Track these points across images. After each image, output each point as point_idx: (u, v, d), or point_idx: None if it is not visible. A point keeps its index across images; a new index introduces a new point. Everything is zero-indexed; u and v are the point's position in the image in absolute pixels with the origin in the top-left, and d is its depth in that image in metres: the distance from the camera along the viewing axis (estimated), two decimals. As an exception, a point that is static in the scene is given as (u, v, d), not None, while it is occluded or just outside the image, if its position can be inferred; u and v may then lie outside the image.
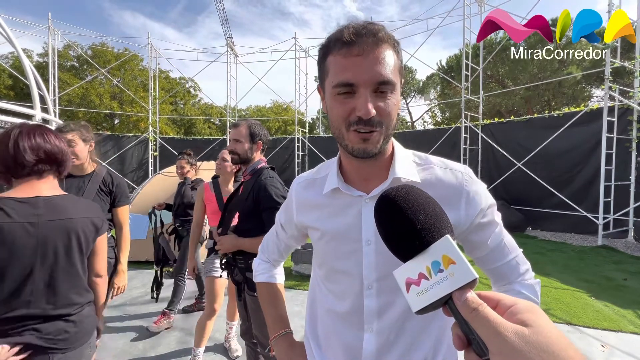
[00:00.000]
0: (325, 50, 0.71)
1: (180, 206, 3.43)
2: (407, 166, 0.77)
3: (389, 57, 0.66)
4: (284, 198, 1.71)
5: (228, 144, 2.09)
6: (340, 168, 0.83)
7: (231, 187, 2.64)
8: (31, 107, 3.68)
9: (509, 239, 0.79)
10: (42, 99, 5.11)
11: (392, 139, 0.78)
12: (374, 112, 0.65)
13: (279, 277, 1.11)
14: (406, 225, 0.48)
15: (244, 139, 1.94)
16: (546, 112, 8.57)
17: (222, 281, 2.52)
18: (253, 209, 1.82)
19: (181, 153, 3.59)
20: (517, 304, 0.39)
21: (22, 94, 18.10)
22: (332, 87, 0.68)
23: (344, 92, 0.67)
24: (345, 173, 0.82)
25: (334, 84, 0.68)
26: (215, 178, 2.68)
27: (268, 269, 1.09)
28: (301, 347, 0.96)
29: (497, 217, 0.79)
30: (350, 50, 0.65)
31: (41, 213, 1.17)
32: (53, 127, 5.84)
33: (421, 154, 0.82)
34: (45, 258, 1.18)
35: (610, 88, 6.54)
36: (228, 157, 2.50)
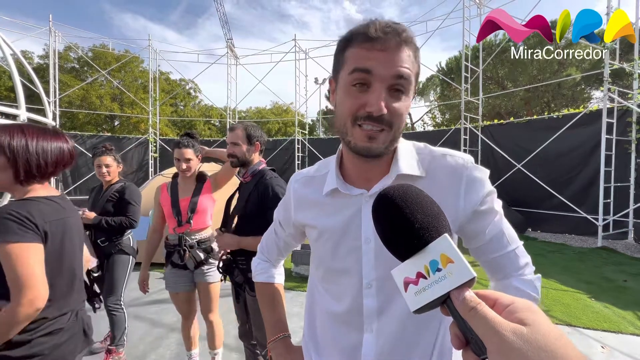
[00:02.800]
0: (347, 43, 0.70)
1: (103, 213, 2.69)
2: (409, 160, 0.75)
3: (409, 58, 0.66)
4: None
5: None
6: (341, 165, 0.81)
7: (190, 187, 2.37)
8: (34, 109, 3.67)
9: (509, 229, 0.76)
10: (41, 100, 5.12)
11: None
12: (385, 110, 0.64)
13: (279, 277, 1.08)
14: (404, 224, 0.47)
15: (241, 141, 1.95)
16: (546, 113, 8.58)
17: (182, 295, 2.32)
18: (256, 210, 1.82)
19: (97, 147, 2.74)
20: (515, 302, 0.39)
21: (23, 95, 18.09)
22: (349, 73, 0.67)
23: (359, 81, 0.66)
24: (346, 171, 0.80)
25: (350, 69, 0.67)
26: (175, 177, 2.41)
27: (267, 268, 1.06)
28: (299, 351, 0.95)
29: (497, 205, 0.76)
30: (374, 44, 0.65)
31: (67, 209, 1.20)
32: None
33: (421, 144, 0.80)
34: (79, 251, 1.24)
35: (609, 90, 6.55)
36: (192, 156, 2.28)
